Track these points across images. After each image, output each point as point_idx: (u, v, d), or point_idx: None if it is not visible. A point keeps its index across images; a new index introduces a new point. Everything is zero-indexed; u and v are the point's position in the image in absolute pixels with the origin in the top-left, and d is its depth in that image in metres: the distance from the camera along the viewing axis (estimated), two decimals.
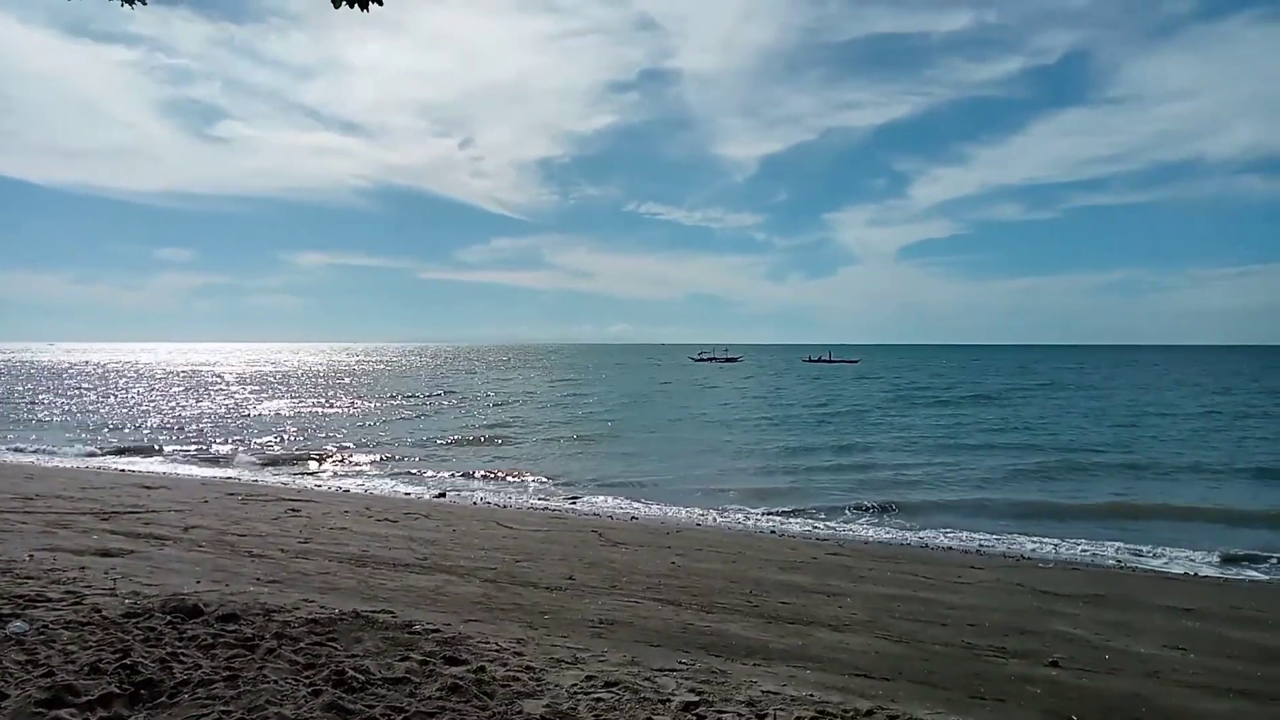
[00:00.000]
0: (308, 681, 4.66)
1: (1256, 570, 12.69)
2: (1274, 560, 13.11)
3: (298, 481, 19.55)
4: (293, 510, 13.06)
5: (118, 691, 4.35)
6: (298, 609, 6.33)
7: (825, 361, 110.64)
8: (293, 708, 4.27)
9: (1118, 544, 14.03)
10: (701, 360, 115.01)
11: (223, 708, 4.23)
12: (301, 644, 5.35)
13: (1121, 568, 12.65)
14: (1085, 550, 13.67)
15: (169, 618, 5.73)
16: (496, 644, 5.85)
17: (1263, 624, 8.89)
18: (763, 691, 5.28)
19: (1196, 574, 12.34)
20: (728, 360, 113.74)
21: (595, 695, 4.87)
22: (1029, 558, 13.08)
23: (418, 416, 39.16)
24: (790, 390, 61.75)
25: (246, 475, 20.63)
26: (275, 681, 4.61)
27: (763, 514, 16.69)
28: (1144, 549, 13.75)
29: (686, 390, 62.10)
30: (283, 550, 9.72)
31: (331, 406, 44.04)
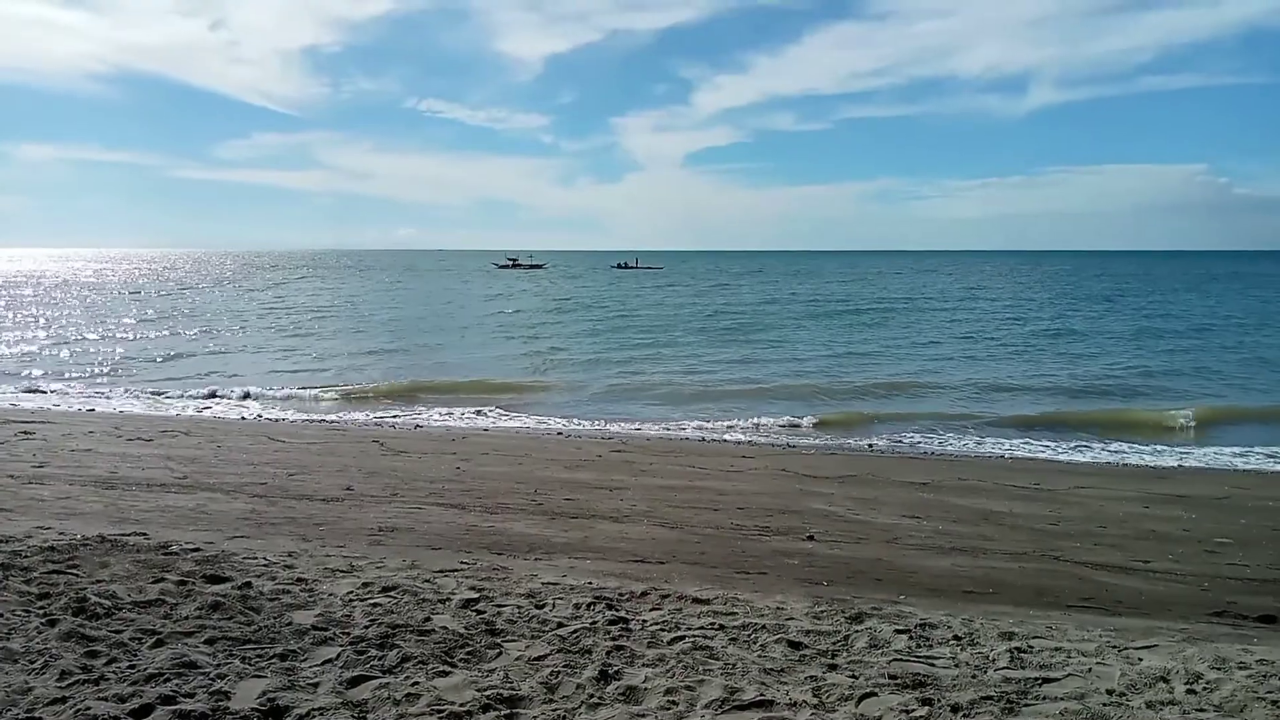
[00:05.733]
0: (41, 612, 4.24)
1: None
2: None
3: (29, 402, 17.45)
4: (25, 433, 11.65)
5: None
6: (30, 537, 5.72)
7: (631, 268, 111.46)
8: (23, 640, 3.88)
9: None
10: (506, 267, 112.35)
11: None
12: (35, 574, 4.86)
13: (873, 450, 14.01)
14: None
15: None
16: (265, 558, 5.59)
17: (981, 491, 10.19)
18: (543, 583, 5.42)
19: (934, 452, 13.91)
20: (533, 267, 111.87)
21: (372, 600, 4.79)
22: (794, 446, 14.16)
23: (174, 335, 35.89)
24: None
25: None
26: (1, 615, 4.16)
27: (548, 417, 16.89)
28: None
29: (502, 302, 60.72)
30: (12, 476, 8.69)
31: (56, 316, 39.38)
